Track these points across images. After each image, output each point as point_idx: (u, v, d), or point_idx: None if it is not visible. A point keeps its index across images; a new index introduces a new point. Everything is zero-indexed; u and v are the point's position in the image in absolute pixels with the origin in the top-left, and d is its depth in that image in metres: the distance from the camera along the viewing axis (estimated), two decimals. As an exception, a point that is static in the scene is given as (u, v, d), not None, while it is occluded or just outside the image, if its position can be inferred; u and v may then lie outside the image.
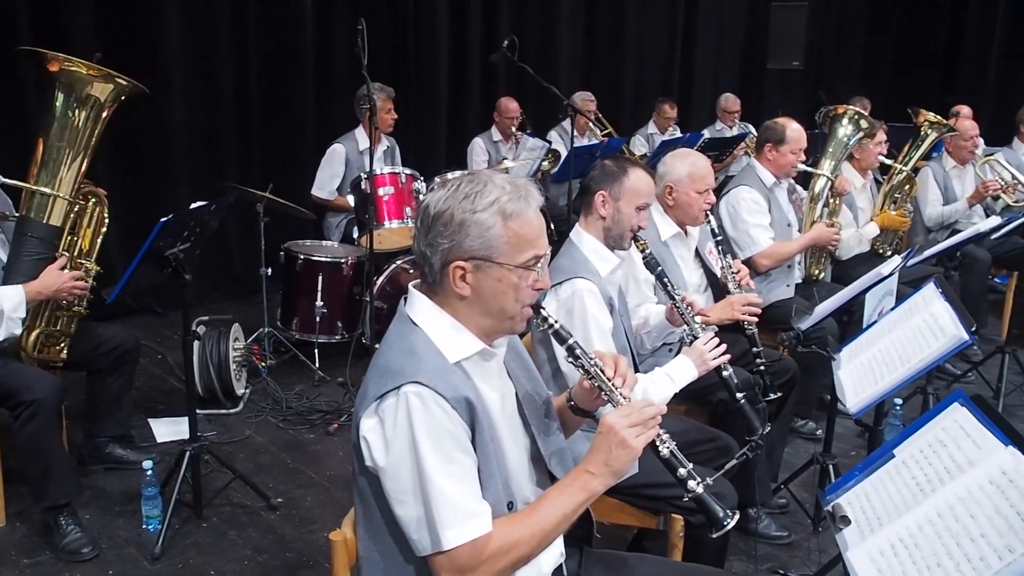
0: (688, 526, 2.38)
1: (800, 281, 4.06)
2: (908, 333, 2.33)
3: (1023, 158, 5.78)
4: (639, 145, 6.99)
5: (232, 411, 4.05)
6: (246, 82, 5.66)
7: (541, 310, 1.68)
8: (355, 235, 4.51)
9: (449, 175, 4.16)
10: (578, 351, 1.70)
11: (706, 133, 7.25)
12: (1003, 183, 5.19)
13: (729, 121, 7.43)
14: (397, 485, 1.49)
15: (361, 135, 4.90)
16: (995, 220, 3.95)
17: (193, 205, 3.06)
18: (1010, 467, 1.44)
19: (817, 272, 4.16)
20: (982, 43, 9.66)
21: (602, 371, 1.70)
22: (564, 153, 5.65)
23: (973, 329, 2.12)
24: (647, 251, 2.57)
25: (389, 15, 6.36)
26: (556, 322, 1.70)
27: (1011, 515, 1.36)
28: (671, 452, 1.66)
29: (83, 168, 2.98)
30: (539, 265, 1.61)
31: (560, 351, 1.89)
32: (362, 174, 4.31)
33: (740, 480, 2.95)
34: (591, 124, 6.53)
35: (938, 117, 4.70)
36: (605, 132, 6.78)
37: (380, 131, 4.83)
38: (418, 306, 1.62)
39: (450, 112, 6.81)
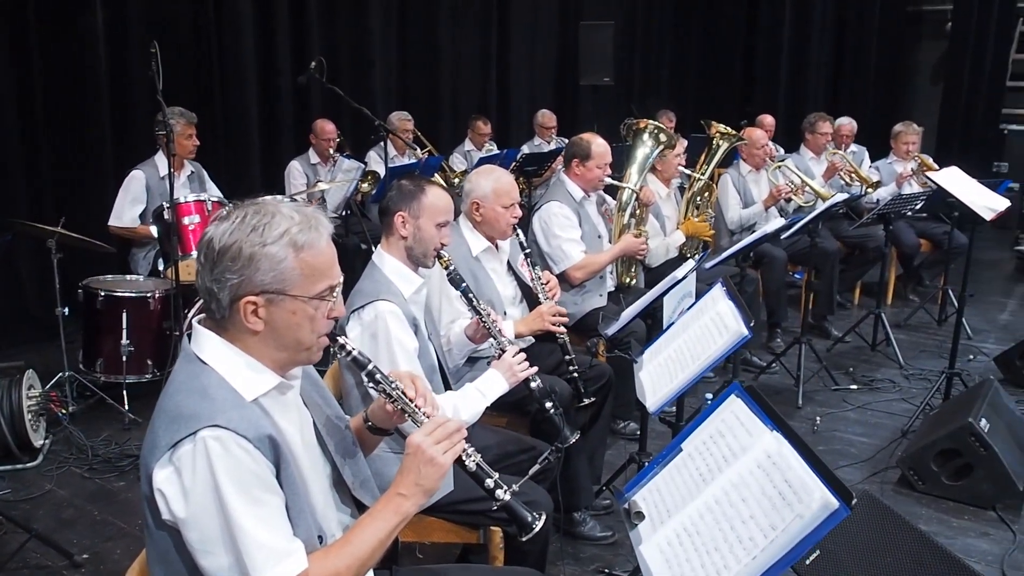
0: (507, 536, 2.41)
1: (613, 289, 4.22)
2: (698, 332, 2.47)
3: (809, 163, 6.31)
4: (458, 163, 7.07)
5: (30, 465, 3.73)
6: (31, 109, 5.24)
7: (338, 339, 1.67)
8: (161, 266, 4.29)
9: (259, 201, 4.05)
10: (378, 375, 1.71)
11: (525, 148, 7.45)
12: (792, 186, 5.63)
13: (547, 136, 7.66)
14: (201, 536, 1.42)
15: (161, 161, 4.65)
16: (779, 222, 4.27)
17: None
18: (773, 450, 1.55)
19: (628, 280, 4.34)
20: (772, 58, 10.50)
21: (404, 393, 1.71)
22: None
23: (752, 324, 2.27)
24: (451, 268, 2.59)
25: (190, 36, 6.10)
26: (354, 349, 1.70)
27: (774, 495, 1.46)
28: (477, 464, 1.70)
29: None
30: (333, 295, 1.59)
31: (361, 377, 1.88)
32: (164, 203, 4.11)
33: (563, 485, 3.03)
34: (409, 143, 6.54)
35: (728, 129, 5.04)
36: (425, 151, 6.80)
37: (181, 157, 4.61)
38: (206, 344, 1.55)
39: (262, 135, 6.60)
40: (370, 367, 1.69)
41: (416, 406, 1.70)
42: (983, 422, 3.44)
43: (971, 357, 5.27)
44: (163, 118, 3.72)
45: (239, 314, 1.51)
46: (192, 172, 4.90)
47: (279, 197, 4.29)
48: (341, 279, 1.62)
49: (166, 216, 4.06)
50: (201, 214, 4.14)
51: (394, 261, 2.52)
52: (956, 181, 4.19)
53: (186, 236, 4.08)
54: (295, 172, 5.96)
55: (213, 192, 4.78)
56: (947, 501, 3.52)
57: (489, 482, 1.71)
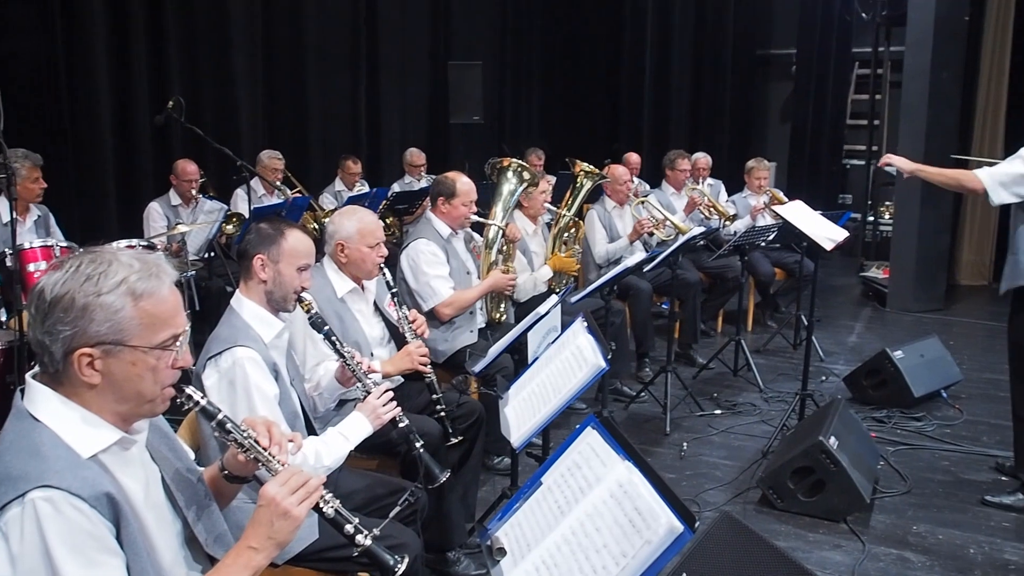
0: (375, 582, 2.38)
1: (483, 325, 4.26)
2: (560, 366, 2.53)
3: (671, 198, 6.60)
4: (328, 203, 6.99)
5: None
6: None
7: (185, 389, 1.62)
8: (3, 317, 4.03)
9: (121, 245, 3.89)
10: (228, 425, 1.67)
11: (396, 187, 7.46)
12: (654, 221, 5.87)
13: (416, 174, 7.69)
14: None
15: (2, 205, 4.41)
16: (640, 256, 4.43)
17: None
18: (625, 479, 1.60)
19: (498, 316, 4.40)
20: (635, 99, 10.93)
21: (256, 442, 1.67)
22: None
23: (609, 356, 2.35)
24: (312, 311, 2.55)
25: (38, 72, 5.82)
26: (202, 399, 1.65)
27: (625, 523, 1.51)
28: (336, 511, 1.68)
29: None
30: (178, 344, 1.55)
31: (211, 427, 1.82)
32: (7, 249, 3.88)
33: (436, 525, 3.03)
34: (275, 184, 6.44)
35: (591, 167, 5.21)
36: (295, 190, 6.69)
37: (26, 201, 4.37)
38: (40, 400, 1.48)
39: (119, 177, 6.33)
40: (220, 417, 1.65)
41: (270, 455, 1.67)
42: (832, 439, 3.65)
43: (823, 378, 5.59)
44: (3, 161, 3.52)
45: (73, 367, 1.46)
46: (39, 216, 4.66)
47: (133, 241, 4.14)
48: (187, 327, 1.59)
49: (8, 263, 3.83)
50: (48, 261, 3.92)
51: (253, 305, 2.46)
52: (800, 214, 4.47)
53: (31, 284, 3.86)
54: (155, 214, 5.74)
55: (61, 238, 4.55)
56: (804, 517, 3.70)
57: (349, 528, 1.69)
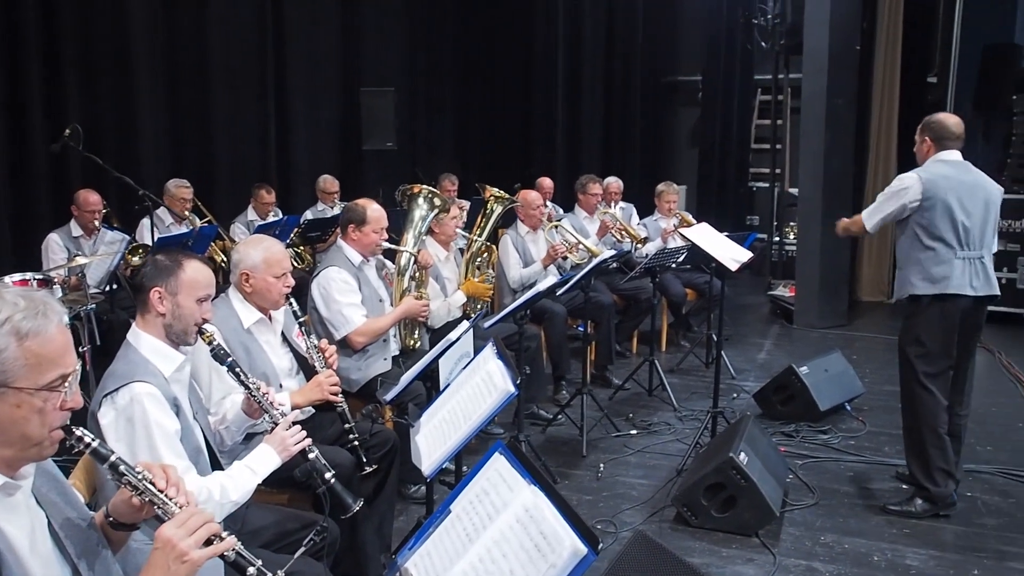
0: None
1: (397, 353, 4.22)
2: (471, 392, 2.52)
3: (584, 222, 6.69)
4: (240, 232, 6.83)
5: None
6: None
7: (75, 430, 1.56)
8: None
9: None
10: (122, 468, 1.60)
11: (308, 214, 7.36)
12: (568, 245, 5.94)
13: (329, 201, 7.60)
14: None
15: None
16: (552, 280, 4.47)
17: None
18: (531, 504, 1.60)
19: (412, 343, 4.36)
20: (549, 124, 11.09)
21: (152, 484, 1.61)
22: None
23: (519, 381, 2.35)
24: (214, 343, 2.48)
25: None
26: (93, 440, 1.59)
27: (531, 548, 1.51)
28: (237, 553, 1.63)
29: None
30: (66, 384, 1.49)
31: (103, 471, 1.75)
32: None
33: (350, 558, 2.97)
34: (187, 213, 6.28)
35: (501, 192, 5.24)
36: (205, 220, 6.53)
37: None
38: None
39: (14, 207, 6.06)
40: (112, 459, 1.59)
41: (166, 497, 1.61)
42: (742, 455, 3.73)
43: (735, 395, 5.72)
44: None
45: None
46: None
47: (28, 275, 3.97)
48: (77, 367, 1.53)
49: None
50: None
51: (151, 339, 2.38)
52: (706, 236, 4.59)
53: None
54: (54, 246, 5.52)
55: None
56: (717, 532, 3.76)
57: (251, 570, 1.64)
